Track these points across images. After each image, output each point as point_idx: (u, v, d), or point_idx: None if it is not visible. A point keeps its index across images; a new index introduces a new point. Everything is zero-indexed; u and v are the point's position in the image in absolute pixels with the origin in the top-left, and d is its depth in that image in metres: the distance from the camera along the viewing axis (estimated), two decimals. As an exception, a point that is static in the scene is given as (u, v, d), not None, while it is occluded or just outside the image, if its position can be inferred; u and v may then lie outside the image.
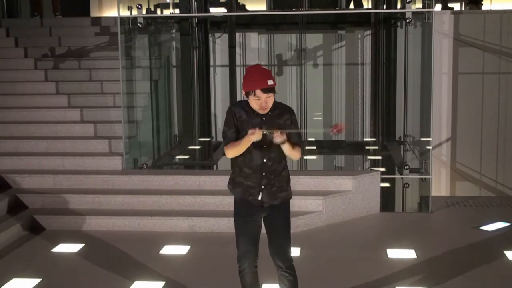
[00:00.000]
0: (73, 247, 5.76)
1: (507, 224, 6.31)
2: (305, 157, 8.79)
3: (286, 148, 3.51)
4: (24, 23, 10.46)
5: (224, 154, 3.63)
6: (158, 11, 9.98)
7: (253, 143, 3.48)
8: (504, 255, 5.36)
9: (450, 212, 6.91)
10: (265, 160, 3.55)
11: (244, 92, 3.51)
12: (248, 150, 3.52)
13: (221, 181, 6.63)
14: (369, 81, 9.64)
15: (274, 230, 3.67)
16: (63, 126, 7.80)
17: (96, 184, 6.86)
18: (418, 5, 7.94)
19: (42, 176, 6.92)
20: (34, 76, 8.80)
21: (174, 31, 9.43)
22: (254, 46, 10.11)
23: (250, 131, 3.40)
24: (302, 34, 9.53)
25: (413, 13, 7.33)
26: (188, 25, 9.18)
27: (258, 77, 3.45)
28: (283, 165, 3.66)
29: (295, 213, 5.91)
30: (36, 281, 4.93)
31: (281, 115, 3.58)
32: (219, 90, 9.91)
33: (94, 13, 12.69)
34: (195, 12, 9.01)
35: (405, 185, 7.58)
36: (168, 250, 5.67)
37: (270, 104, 3.51)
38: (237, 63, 9.69)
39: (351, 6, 10.53)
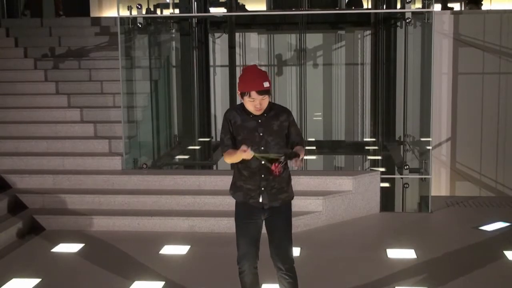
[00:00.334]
0: (73, 247, 5.76)
1: (507, 224, 6.31)
2: (305, 157, 8.78)
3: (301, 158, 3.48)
4: (24, 23, 10.46)
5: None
6: (158, 11, 9.98)
7: (251, 145, 3.48)
8: (504, 255, 5.36)
9: (450, 212, 6.91)
10: (263, 162, 3.53)
11: (239, 92, 3.52)
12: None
13: (221, 181, 6.63)
14: (369, 81, 9.64)
15: (275, 231, 3.67)
16: (63, 126, 7.80)
17: (96, 184, 6.86)
18: (418, 5, 7.94)
19: (42, 176, 6.92)
20: (34, 76, 8.80)
21: (174, 31, 9.43)
22: (254, 46, 10.11)
23: (242, 148, 3.38)
24: (302, 34, 9.53)
25: (413, 13, 7.33)
26: (188, 25, 9.18)
27: (254, 78, 3.45)
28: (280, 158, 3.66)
29: (295, 213, 5.88)
30: (36, 281, 4.93)
31: (277, 117, 3.57)
32: (219, 90, 9.91)
33: (94, 13, 12.69)
34: (195, 12, 9.01)
35: (405, 185, 7.58)
36: (168, 250, 5.67)
37: (264, 105, 3.51)
38: (237, 63, 9.69)
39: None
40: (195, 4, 9.00)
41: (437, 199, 7.33)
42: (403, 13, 7.66)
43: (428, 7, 7.06)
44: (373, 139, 9.36)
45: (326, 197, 6.40)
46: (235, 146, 3.56)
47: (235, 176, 3.68)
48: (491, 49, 8.95)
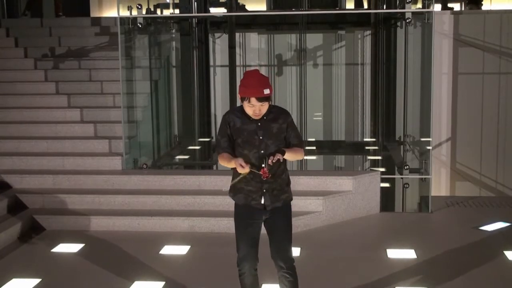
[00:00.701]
0: (73, 247, 5.76)
1: (507, 224, 6.31)
2: (305, 157, 8.79)
3: (289, 158, 3.54)
4: (24, 23, 10.46)
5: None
6: (158, 11, 9.98)
7: (246, 148, 3.51)
8: (504, 255, 5.36)
9: (450, 212, 6.91)
10: (264, 166, 3.55)
11: (240, 96, 3.53)
12: (242, 155, 3.53)
13: (221, 181, 6.63)
14: (369, 81, 9.64)
15: (275, 231, 3.67)
16: (63, 126, 7.80)
17: (96, 184, 6.86)
18: (418, 5, 7.95)
19: (42, 176, 6.92)
20: (34, 76, 8.80)
21: (174, 31, 9.43)
22: (254, 46, 10.11)
23: (240, 162, 3.40)
24: (302, 34, 9.53)
25: (413, 13, 7.33)
26: (188, 25, 9.18)
27: (255, 84, 3.43)
28: (282, 168, 3.65)
29: (295, 213, 5.89)
30: (36, 281, 4.93)
31: (275, 119, 3.57)
32: (219, 90, 9.91)
33: (94, 13, 12.68)
34: (195, 12, 9.01)
35: (405, 185, 7.58)
36: (168, 250, 5.67)
37: (263, 111, 3.52)
38: (237, 63, 9.69)
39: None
40: (195, 4, 9.00)
41: (437, 199, 7.33)
42: (403, 13, 7.66)
43: (428, 7, 7.06)
44: (373, 139, 9.36)
45: (326, 197, 6.40)
46: (233, 150, 3.58)
47: (234, 177, 3.68)
48: (491, 49, 8.95)
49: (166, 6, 10.20)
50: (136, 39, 8.26)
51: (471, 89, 9.09)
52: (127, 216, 6.33)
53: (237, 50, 9.77)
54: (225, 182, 6.49)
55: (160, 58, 9.15)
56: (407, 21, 7.27)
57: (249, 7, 10.84)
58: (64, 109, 8.14)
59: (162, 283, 4.82)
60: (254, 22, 9.86)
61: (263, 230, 3.71)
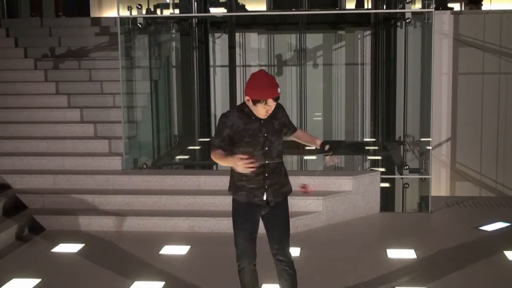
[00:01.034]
0: (73, 247, 5.76)
1: (507, 224, 6.31)
2: (305, 157, 8.79)
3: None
4: (24, 23, 10.46)
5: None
6: (158, 11, 9.98)
7: (251, 146, 3.52)
8: (504, 255, 5.36)
9: (450, 212, 6.91)
10: (267, 162, 3.58)
11: (249, 99, 3.47)
12: (249, 154, 3.51)
13: (221, 181, 6.63)
14: (369, 81, 9.64)
15: (276, 224, 3.70)
16: (63, 126, 7.80)
17: (96, 184, 6.86)
18: (418, 5, 7.94)
19: (42, 176, 6.92)
20: (34, 76, 8.80)
21: (174, 31, 9.43)
22: (254, 46, 10.11)
23: (240, 157, 3.42)
24: (302, 34, 9.53)
25: (413, 13, 7.33)
26: (188, 25, 9.18)
27: (269, 85, 3.46)
28: (281, 161, 3.70)
29: (295, 213, 5.92)
30: (36, 281, 4.93)
31: (274, 116, 3.61)
32: (219, 90, 9.91)
33: (94, 13, 12.69)
34: (195, 12, 9.01)
35: (405, 185, 7.58)
36: (168, 250, 5.67)
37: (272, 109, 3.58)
38: (237, 63, 9.69)
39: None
40: (195, 4, 9.00)
41: (437, 199, 7.33)
42: (403, 13, 7.66)
43: (428, 7, 7.06)
44: (373, 139, 9.36)
45: (326, 197, 6.39)
46: (229, 151, 3.57)
47: (235, 176, 3.67)
48: (491, 49, 8.95)
49: (166, 6, 10.20)
50: (136, 39, 8.26)
51: (471, 89, 9.09)
52: (127, 216, 6.33)
53: (237, 50, 9.78)
54: (225, 183, 6.49)
55: (160, 58, 9.15)
56: (407, 21, 7.27)
57: (249, 7, 10.84)
58: (64, 109, 8.14)
59: (162, 283, 4.82)
60: (254, 22, 9.86)
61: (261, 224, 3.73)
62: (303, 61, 9.65)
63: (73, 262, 5.42)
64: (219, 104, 9.90)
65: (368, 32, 9.62)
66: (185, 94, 9.27)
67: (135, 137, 7.82)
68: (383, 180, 7.02)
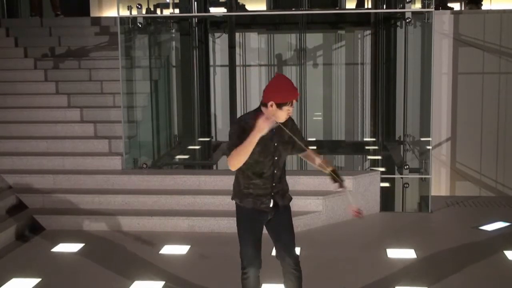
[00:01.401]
0: (73, 247, 5.76)
1: (507, 224, 6.31)
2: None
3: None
4: (24, 23, 10.46)
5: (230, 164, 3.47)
6: (158, 11, 9.97)
7: (262, 155, 3.49)
8: (504, 255, 5.36)
9: (450, 212, 6.91)
10: (275, 171, 3.60)
11: (273, 103, 3.43)
12: (257, 162, 3.51)
13: (221, 181, 6.63)
14: (369, 81, 9.64)
15: (282, 228, 3.70)
16: (63, 126, 7.80)
17: (96, 184, 6.87)
18: (418, 5, 7.93)
19: (42, 176, 6.92)
20: (34, 76, 8.80)
21: (174, 31, 9.43)
22: (254, 46, 10.11)
23: (262, 119, 3.26)
24: (302, 34, 9.53)
25: (413, 13, 7.33)
26: (188, 25, 9.17)
27: (292, 87, 3.54)
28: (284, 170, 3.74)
29: (295, 213, 5.89)
30: (36, 281, 4.93)
31: (285, 124, 3.57)
32: (219, 90, 9.91)
33: (94, 13, 12.68)
34: (195, 12, 9.01)
35: (405, 185, 7.58)
36: (168, 250, 5.67)
37: None
38: (237, 63, 9.69)
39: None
40: (195, 4, 8.99)
41: (437, 199, 7.33)
42: (403, 13, 7.66)
43: (428, 7, 7.06)
44: (373, 139, 9.36)
45: (326, 197, 6.39)
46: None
47: (240, 184, 3.63)
48: (491, 49, 8.94)
49: (166, 6, 10.19)
50: (136, 39, 8.26)
51: (471, 89, 9.09)
52: (127, 216, 6.33)
53: (237, 50, 9.77)
54: (225, 183, 6.50)
55: (160, 58, 9.14)
56: (407, 21, 7.27)
57: (249, 7, 10.83)
58: (64, 109, 8.14)
59: (162, 283, 4.82)
60: (254, 22, 9.86)
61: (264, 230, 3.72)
62: (303, 61, 9.64)
63: (73, 262, 5.42)
64: (219, 104, 9.90)
65: (368, 32, 9.62)
66: (185, 94, 9.27)
67: (135, 137, 7.82)
68: (383, 180, 7.02)
